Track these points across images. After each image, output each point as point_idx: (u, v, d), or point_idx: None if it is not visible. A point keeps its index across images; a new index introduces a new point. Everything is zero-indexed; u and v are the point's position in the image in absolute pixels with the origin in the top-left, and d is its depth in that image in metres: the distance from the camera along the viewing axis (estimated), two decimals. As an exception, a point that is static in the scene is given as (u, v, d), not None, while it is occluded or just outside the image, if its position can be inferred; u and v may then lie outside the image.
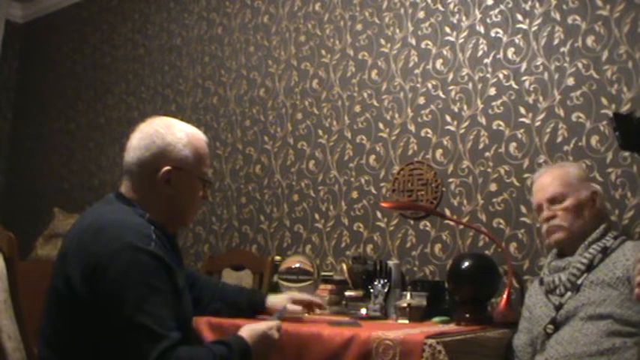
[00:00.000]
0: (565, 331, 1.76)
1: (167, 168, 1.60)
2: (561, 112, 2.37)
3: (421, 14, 2.80)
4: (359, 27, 3.01)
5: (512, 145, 2.47)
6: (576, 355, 1.69)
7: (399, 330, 1.77)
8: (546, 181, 1.96)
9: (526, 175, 2.41)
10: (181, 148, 1.62)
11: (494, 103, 2.54)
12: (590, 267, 1.80)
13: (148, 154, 1.60)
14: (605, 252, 1.80)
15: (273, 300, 2.00)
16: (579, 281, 1.79)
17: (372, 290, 2.30)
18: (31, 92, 4.81)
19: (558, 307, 1.80)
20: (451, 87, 2.66)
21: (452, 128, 2.64)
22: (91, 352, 1.45)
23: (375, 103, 2.89)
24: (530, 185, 2.38)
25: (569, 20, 2.40)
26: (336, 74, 3.05)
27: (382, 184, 2.81)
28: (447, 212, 2.57)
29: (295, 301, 1.99)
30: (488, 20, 2.61)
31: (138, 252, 1.45)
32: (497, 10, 2.59)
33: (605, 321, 1.68)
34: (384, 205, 2.59)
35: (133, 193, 1.62)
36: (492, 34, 2.59)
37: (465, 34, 2.66)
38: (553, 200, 1.93)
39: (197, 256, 3.39)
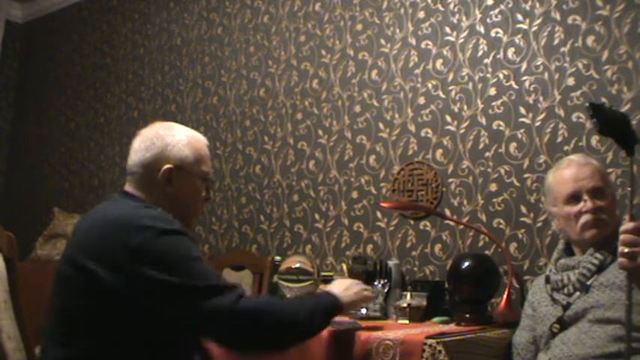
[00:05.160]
0: (571, 332, 1.74)
1: (167, 166, 1.62)
2: (561, 112, 2.37)
3: (421, 14, 2.80)
4: (359, 27, 3.01)
5: (513, 145, 2.47)
6: (580, 356, 1.68)
7: (399, 330, 1.77)
8: (587, 171, 1.84)
9: (526, 175, 2.41)
10: (181, 148, 1.66)
11: (494, 103, 2.54)
12: (600, 268, 1.76)
13: (149, 155, 1.64)
14: (616, 253, 1.75)
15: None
16: (589, 282, 1.76)
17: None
18: (31, 92, 4.81)
19: (566, 307, 1.78)
20: (451, 87, 2.66)
21: (452, 128, 2.64)
22: (137, 343, 1.47)
23: (375, 103, 2.89)
24: (530, 185, 2.39)
25: (569, 20, 2.40)
26: (336, 74, 3.05)
27: (382, 184, 2.81)
28: (447, 212, 2.57)
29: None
30: (488, 20, 2.61)
31: (172, 234, 1.49)
32: (497, 10, 2.59)
33: (614, 325, 1.66)
34: (384, 205, 2.59)
35: (137, 192, 1.65)
36: (492, 34, 2.59)
37: (465, 34, 2.67)
38: (596, 192, 1.81)
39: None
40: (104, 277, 1.44)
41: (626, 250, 1.43)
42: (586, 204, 1.80)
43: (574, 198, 1.83)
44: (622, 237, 1.45)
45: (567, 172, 1.87)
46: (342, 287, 1.74)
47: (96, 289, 1.46)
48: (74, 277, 1.50)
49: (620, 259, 1.45)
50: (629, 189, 1.50)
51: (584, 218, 1.80)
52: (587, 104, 1.48)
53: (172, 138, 1.67)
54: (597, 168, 1.87)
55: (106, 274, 1.44)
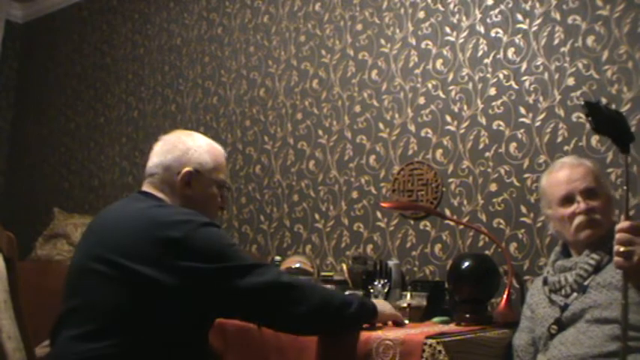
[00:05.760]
0: (569, 332, 1.74)
1: (187, 169, 1.68)
2: (561, 112, 2.37)
3: (421, 14, 2.80)
4: (359, 27, 3.01)
5: (513, 145, 2.47)
6: (579, 356, 1.68)
7: (399, 330, 1.77)
8: (579, 173, 1.84)
9: (526, 175, 2.41)
10: (201, 153, 1.72)
11: (494, 103, 2.54)
12: (597, 268, 1.76)
13: (170, 157, 1.69)
14: (613, 253, 1.76)
15: None
16: (586, 282, 1.76)
17: (372, 290, 2.30)
18: (31, 92, 4.81)
19: (563, 308, 1.78)
20: (451, 87, 2.66)
21: (452, 128, 2.64)
22: (174, 328, 1.52)
23: (375, 103, 2.89)
24: (530, 185, 2.39)
25: (569, 20, 2.40)
26: (336, 74, 3.05)
27: (382, 184, 2.81)
28: (447, 212, 2.57)
29: None
30: (488, 20, 2.61)
31: (207, 225, 1.56)
32: (497, 10, 2.59)
33: (611, 325, 1.66)
34: (384, 205, 2.59)
35: (157, 193, 1.69)
36: (492, 34, 2.59)
37: (465, 34, 2.67)
38: (589, 193, 1.81)
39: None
40: (151, 274, 1.47)
41: (621, 249, 1.42)
42: (579, 205, 1.80)
43: (567, 200, 1.83)
44: (618, 236, 1.43)
45: (560, 175, 1.88)
46: (381, 302, 1.88)
47: (139, 287, 1.48)
48: (111, 275, 1.51)
49: (616, 259, 1.43)
50: (625, 187, 1.48)
51: (577, 220, 1.80)
52: (582, 102, 1.47)
53: (193, 143, 1.73)
54: (590, 169, 1.87)
55: (153, 272, 1.47)
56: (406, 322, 1.95)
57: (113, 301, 1.49)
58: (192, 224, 1.53)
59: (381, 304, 1.82)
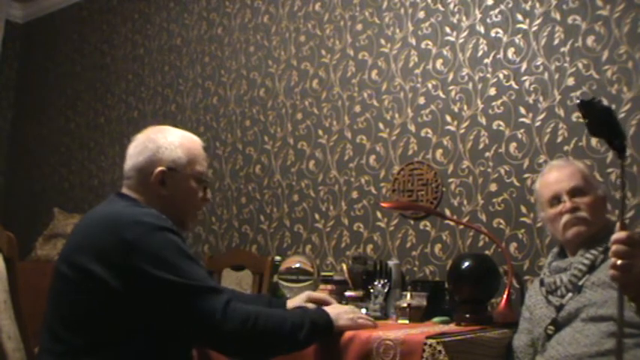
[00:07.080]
0: (566, 332, 1.75)
1: (160, 169, 1.64)
2: (561, 112, 2.37)
3: (421, 14, 2.80)
4: (359, 27, 3.01)
5: (513, 145, 2.47)
6: (576, 355, 1.68)
7: (399, 330, 1.77)
8: (566, 173, 1.88)
9: (526, 175, 2.41)
10: (173, 149, 1.67)
11: (494, 103, 2.54)
12: (591, 268, 1.78)
13: (142, 159, 1.66)
14: (607, 252, 1.76)
15: (293, 302, 1.93)
16: (581, 282, 1.77)
17: (372, 290, 2.30)
18: (31, 92, 4.81)
19: (559, 308, 1.79)
20: (451, 87, 2.66)
21: (452, 128, 2.64)
22: (139, 335, 1.48)
23: (375, 103, 2.89)
24: (530, 185, 2.39)
25: (569, 20, 2.40)
26: (336, 74, 3.05)
27: (382, 184, 2.81)
28: (447, 212, 2.57)
29: (311, 300, 1.92)
30: (488, 20, 2.61)
31: (164, 231, 1.51)
32: (497, 10, 2.59)
33: (607, 322, 1.66)
34: (384, 205, 2.59)
35: (133, 194, 1.66)
36: (492, 34, 2.59)
37: (465, 34, 2.67)
38: (576, 192, 1.84)
39: (197, 256, 3.39)
40: (102, 274, 1.45)
41: (619, 262, 1.34)
42: (565, 205, 1.83)
43: (556, 200, 1.86)
44: (614, 248, 1.36)
45: (549, 177, 1.92)
46: (339, 310, 1.76)
47: (93, 287, 1.47)
48: (71, 275, 1.50)
49: (612, 272, 1.35)
50: (621, 195, 1.41)
51: (564, 218, 1.83)
52: (578, 101, 1.43)
53: (165, 140, 1.68)
54: (578, 168, 1.90)
55: (103, 271, 1.45)
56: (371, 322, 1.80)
57: (74, 303, 1.49)
58: (146, 226, 1.49)
59: (336, 313, 1.71)
